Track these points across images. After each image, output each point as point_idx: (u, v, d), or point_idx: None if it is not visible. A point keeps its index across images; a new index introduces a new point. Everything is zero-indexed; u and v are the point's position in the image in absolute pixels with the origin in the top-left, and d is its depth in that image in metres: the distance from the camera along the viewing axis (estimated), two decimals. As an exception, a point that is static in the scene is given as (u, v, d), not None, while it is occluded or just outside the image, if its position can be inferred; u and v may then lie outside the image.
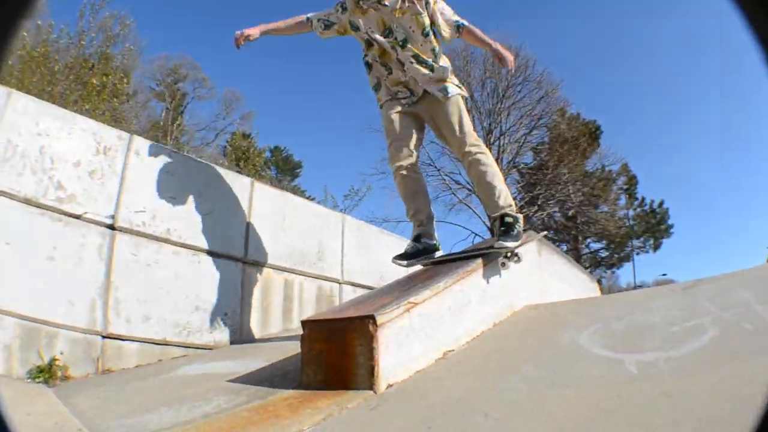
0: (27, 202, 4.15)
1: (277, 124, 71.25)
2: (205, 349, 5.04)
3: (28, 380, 3.75)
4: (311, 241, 6.36)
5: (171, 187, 5.11)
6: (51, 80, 16.16)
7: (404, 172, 4.32)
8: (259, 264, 5.81)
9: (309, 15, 4.62)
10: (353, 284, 6.79)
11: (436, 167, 34.07)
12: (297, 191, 37.65)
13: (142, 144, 5.05)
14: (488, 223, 34.89)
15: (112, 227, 4.63)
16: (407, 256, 4.27)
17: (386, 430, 2.03)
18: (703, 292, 3.30)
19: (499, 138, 33.80)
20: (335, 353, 2.67)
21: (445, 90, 4.26)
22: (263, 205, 6.05)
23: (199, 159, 6.44)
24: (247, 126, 41.85)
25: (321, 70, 74.62)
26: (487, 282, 3.71)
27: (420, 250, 4.28)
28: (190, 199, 5.26)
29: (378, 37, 4.27)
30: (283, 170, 47.28)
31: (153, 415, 2.66)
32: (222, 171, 5.87)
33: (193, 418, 2.49)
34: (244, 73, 64.12)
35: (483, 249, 4.14)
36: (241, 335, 5.40)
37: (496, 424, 1.94)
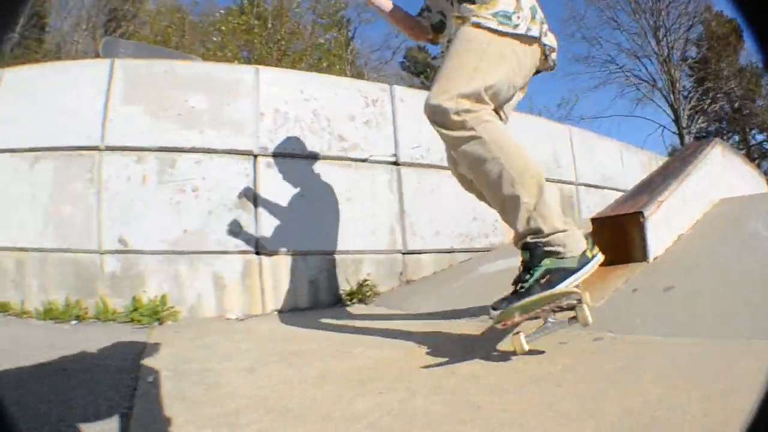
0: (313, 156, 5.20)
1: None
2: (485, 251, 5.78)
3: (340, 305, 4.89)
4: (548, 152, 7.27)
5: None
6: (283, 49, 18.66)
7: None
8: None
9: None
10: (585, 185, 7.75)
11: (617, 64, 36.51)
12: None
13: (401, 92, 6.00)
14: (672, 116, 35.14)
15: (396, 163, 5.61)
16: None
17: (664, 278, 3.23)
18: None
19: (665, 36, 35.14)
20: (619, 239, 3.73)
21: (467, 12, 2.65)
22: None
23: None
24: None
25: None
26: (697, 182, 4.54)
27: None
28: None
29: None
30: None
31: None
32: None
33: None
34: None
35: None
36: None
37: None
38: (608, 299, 3.15)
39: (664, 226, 3.84)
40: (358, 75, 32.67)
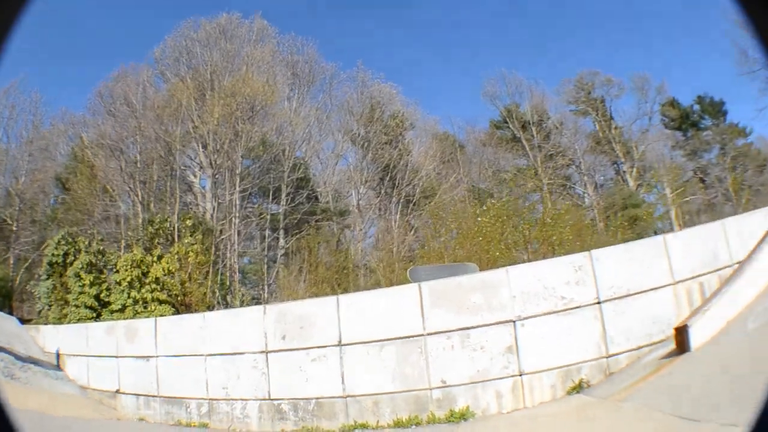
0: (546, 313, 9.24)
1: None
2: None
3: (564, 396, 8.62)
4: None
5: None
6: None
7: None
8: None
9: None
10: None
11: None
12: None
13: (598, 253, 9.90)
14: None
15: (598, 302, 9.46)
16: None
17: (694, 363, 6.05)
18: None
19: None
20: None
21: None
22: None
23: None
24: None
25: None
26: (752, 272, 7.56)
27: None
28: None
29: None
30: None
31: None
32: None
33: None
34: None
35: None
36: None
37: None
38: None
39: (709, 322, 6.82)
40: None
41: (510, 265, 11.17)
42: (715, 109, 45.18)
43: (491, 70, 60.69)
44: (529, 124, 42.21)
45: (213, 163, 27.46)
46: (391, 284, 16.75)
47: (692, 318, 7.73)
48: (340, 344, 9.90)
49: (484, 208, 18.22)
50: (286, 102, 34.19)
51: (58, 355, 13.66)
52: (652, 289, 9.40)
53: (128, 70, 31.72)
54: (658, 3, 53.26)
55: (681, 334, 7.75)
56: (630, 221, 26.89)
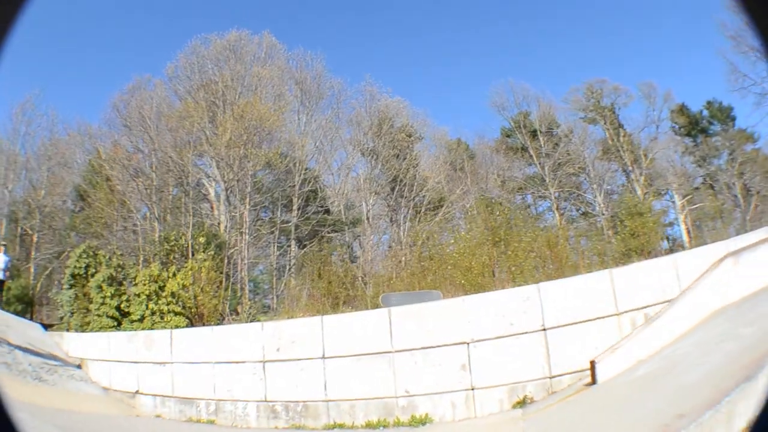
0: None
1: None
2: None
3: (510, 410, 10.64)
4: None
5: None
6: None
7: None
8: None
9: None
10: None
11: None
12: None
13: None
14: None
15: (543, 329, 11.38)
16: None
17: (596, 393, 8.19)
18: None
19: None
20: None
21: None
22: None
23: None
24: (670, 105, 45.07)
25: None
26: (677, 310, 9.13)
27: None
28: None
29: None
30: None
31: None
32: None
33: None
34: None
35: None
36: None
37: None
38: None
39: (618, 360, 8.79)
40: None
41: (473, 292, 13.21)
42: (724, 115, 46.43)
43: (498, 79, 62.59)
44: (538, 132, 43.75)
45: (225, 177, 29.73)
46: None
47: (603, 354, 9.62)
48: (323, 357, 12.06)
49: (456, 237, 20.41)
50: (296, 116, 36.33)
51: (81, 360, 15.67)
52: (597, 318, 11.22)
53: (142, 81, 33.98)
54: (662, 12, 54.78)
55: (592, 368, 9.64)
56: (636, 229, 28.28)
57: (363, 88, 39.08)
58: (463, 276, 18.11)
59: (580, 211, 45.21)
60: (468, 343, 11.30)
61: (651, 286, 11.45)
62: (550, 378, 11.09)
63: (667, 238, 41.17)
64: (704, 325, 9.41)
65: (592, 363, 9.65)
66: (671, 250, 35.08)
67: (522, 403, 10.82)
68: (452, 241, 22.49)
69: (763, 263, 10.31)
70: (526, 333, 11.31)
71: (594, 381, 9.59)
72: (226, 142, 28.46)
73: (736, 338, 7.70)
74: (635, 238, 25.22)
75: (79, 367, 15.41)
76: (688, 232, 39.85)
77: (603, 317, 11.25)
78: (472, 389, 11.10)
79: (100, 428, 11.01)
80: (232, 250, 26.88)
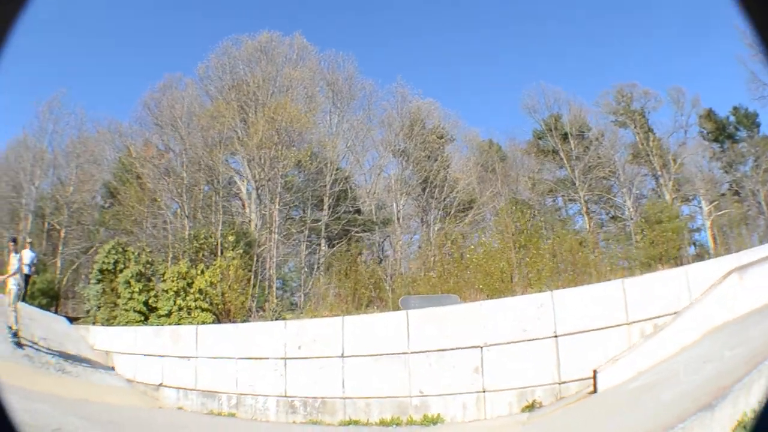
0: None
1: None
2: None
3: (518, 413, 11.00)
4: None
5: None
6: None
7: None
8: None
9: None
10: None
11: None
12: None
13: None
14: None
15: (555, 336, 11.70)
16: None
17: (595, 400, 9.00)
18: None
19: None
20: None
21: None
22: None
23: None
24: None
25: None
26: (678, 326, 9.35)
27: None
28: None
29: None
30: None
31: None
32: None
33: None
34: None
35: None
36: None
37: None
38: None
39: (619, 371, 9.07)
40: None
41: (491, 296, 13.61)
42: (750, 121, 45.97)
43: (530, 82, 62.51)
44: (569, 135, 43.76)
45: (256, 176, 30.48)
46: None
47: (605, 364, 9.91)
48: (342, 356, 12.59)
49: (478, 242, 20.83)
50: (327, 117, 36.94)
51: (107, 352, 16.24)
52: (607, 327, 11.47)
53: (174, 80, 34.88)
54: (689, 18, 54.19)
55: (594, 377, 9.95)
56: (655, 238, 28.31)
57: (394, 90, 39.62)
58: (483, 280, 18.50)
59: (609, 215, 45.12)
60: (482, 347, 11.69)
61: (663, 297, 11.55)
62: (559, 384, 11.40)
63: (694, 244, 40.98)
64: (701, 342, 9.61)
65: (594, 372, 9.96)
66: (698, 256, 34.93)
67: (530, 407, 11.17)
68: (473, 246, 22.96)
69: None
70: (538, 339, 11.64)
71: (595, 390, 9.92)
72: (257, 142, 29.16)
73: (720, 360, 7.95)
74: (655, 247, 25.31)
75: (105, 361, 16.03)
76: (714, 239, 39.61)
77: (613, 326, 11.45)
78: (484, 392, 11.49)
79: (121, 419, 11.45)
80: (261, 248, 27.56)
